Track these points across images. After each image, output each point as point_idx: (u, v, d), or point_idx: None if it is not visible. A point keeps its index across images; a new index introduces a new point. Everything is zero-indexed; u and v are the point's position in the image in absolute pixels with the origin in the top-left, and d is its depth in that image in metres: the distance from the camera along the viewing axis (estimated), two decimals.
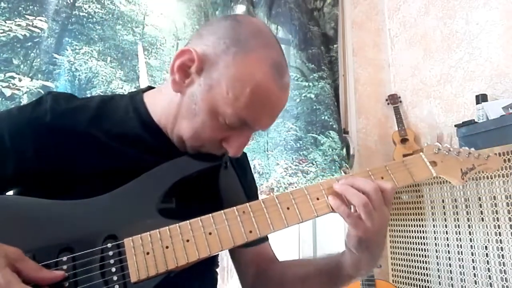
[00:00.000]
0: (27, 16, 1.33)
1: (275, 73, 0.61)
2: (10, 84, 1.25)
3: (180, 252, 0.53)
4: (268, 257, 0.79)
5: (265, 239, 0.80)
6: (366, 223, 0.58)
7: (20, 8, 1.32)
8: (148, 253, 0.52)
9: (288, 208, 0.59)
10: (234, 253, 0.78)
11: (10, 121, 0.61)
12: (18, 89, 1.26)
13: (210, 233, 0.55)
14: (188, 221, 0.55)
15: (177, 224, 0.55)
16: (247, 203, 0.58)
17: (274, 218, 0.58)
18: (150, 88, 0.75)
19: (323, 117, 1.92)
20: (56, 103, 0.63)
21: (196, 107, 0.61)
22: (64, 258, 0.50)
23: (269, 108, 0.63)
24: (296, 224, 0.59)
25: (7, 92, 1.24)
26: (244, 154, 0.86)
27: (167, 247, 0.53)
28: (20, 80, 1.27)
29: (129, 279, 0.51)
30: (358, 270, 0.65)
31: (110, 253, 0.52)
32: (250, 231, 0.57)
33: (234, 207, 0.58)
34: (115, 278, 0.51)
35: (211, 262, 0.75)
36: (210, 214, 0.56)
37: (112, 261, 0.52)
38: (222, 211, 0.57)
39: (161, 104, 0.68)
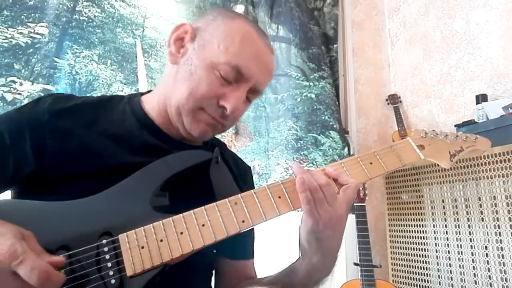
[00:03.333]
0: (29, 24, 1.35)
1: (258, 32, 0.70)
2: (11, 89, 1.26)
3: (174, 244, 0.54)
4: (245, 275, 0.79)
5: (249, 256, 0.81)
6: (319, 211, 0.58)
7: (22, 17, 1.33)
8: (142, 247, 0.53)
9: (279, 197, 0.61)
10: (217, 261, 0.79)
11: (10, 121, 0.63)
12: (19, 94, 1.27)
13: (203, 225, 0.56)
14: (181, 215, 0.56)
15: (171, 218, 0.56)
16: (239, 194, 0.60)
17: (265, 207, 0.59)
18: (149, 92, 0.77)
19: (323, 117, 1.92)
20: (54, 103, 0.65)
21: (192, 67, 0.66)
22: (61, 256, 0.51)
23: (259, 59, 0.68)
24: (287, 212, 0.61)
25: (9, 97, 1.25)
26: (249, 168, 0.87)
27: (161, 240, 0.54)
28: (21, 84, 1.28)
29: (125, 273, 0.52)
30: (310, 275, 0.64)
31: (106, 249, 0.53)
32: (243, 221, 0.58)
33: (226, 199, 0.59)
34: (111, 273, 0.52)
35: (209, 259, 0.75)
36: (203, 207, 0.57)
37: (107, 257, 0.53)
38: (214, 203, 0.58)
39: (157, 94, 0.72)
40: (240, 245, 0.78)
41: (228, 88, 0.66)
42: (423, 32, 2.10)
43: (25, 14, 1.34)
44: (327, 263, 0.64)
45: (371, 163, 0.67)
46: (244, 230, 0.58)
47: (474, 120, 1.63)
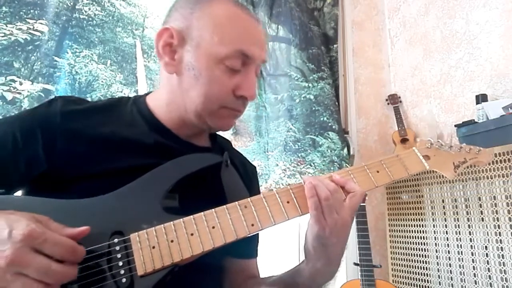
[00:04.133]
0: (28, 20, 1.34)
1: (240, 7, 0.68)
2: (11, 88, 1.26)
3: (184, 245, 0.55)
4: (248, 273, 0.79)
5: (253, 255, 0.82)
6: (326, 218, 0.59)
7: (21, 13, 1.33)
8: (153, 247, 0.54)
9: (288, 202, 0.62)
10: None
11: (22, 122, 0.64)
12: (19, 93, 1.27)
13: (213, 227, 0.57)
14: (192, 216, 0.57)
15: (181, 219, 0.57)
16: (249, 198, 0.61)
17: (274, 211, 0.60)
18: (151, 92, 0.78)
19: (322, 118, 1.92)
20: (66, 105, 0.66)
21: (195, 71, 0.65)
22: None
23: (253, 35, 0.67)
24: (296, 217, 0.62)
25: (8, 96, 1.25)
26: (254, 168, 0.87)
27: (172, 241, 0.55)
28: (21, 83, 1.28)
29: (135, 272, 0.52)
30: (313, 278, 0.65)
31: (117, 248, 0.53)
32: (252, 224, 0.59)
33: (236, 202, 0.60)
34: (122, 271, 0.52)
35: (218, 260, 0.75)
36: (213, 209, 0.58)
37: (119, 256, 0.53)
38: (224, 206, 0.59)
39: (163, 98, 0.71)
40: (245, 244, 0.78)
41: (238, 76, 0.66)
42: (423, 32, 2.10)
43: (24, 10, 1.34)
44: (331, 268, 0.65)
45: (377, 172, 0.68)
46: (253, 234, 0.59)
47: (474, 120, 1.64)
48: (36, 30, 1.34)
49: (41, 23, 1.36)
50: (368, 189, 0.67)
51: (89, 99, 1.37)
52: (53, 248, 0.44)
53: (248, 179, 0.80)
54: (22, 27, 1.32)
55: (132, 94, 1.48)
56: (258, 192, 0.86)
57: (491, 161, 1.42)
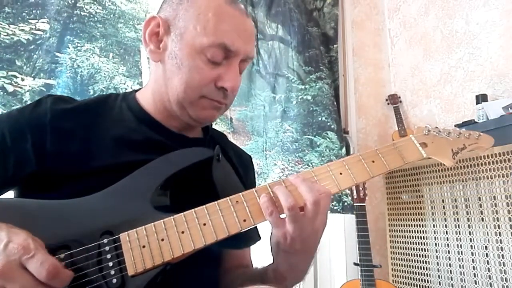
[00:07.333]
0: (30, 21, 1.35)
1: (228, 1, 0.66)
2: (13, 82, 1.25)
3: (175, 244, 0.54)
4: (241, 263, 0.79)
5: (245, 246, 0.80)
6: (287, 226, 0.56)
7: (23, 14, 1.34)
8: (144, 246, 0.53)
9: None
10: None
11: (11, 121, 0.63)
12: (21, 87, 1.27)
13: (204, 224, 0.56)
14: (182, 213, 0.56)
15: (172, 217, 0.55)
16: (240, 193, 0.59)
17: None
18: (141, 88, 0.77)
19: (320, 118, 1.92)
20: (55, 104, 0.65)
21: (177, 60, 0.65)
22: (62, 256, 0.50)
23: (237, 29, 0.66)
24: None
25: (9, 88, 1.25)
26: (249, 157, 0.86)
27: (162, 240, 0.54)
28: (22, 79, 1.28)
29: (126, 272, 0.52)
30: (280, 278, 0.63)
31: (107, 248, 0.53)
32: (244, 220, 0.57)
33: (228, 198, 0.58)
34: (112, 272, 0.51)
35: (213, 255, 0.74)
36: (204, 206, 0.57)
37: (109, 256, 0.52)
38: (216, 202, 0.58)
39: (150, 89, 0.71)
40: (239, 234, 0.77)
41: (220, 68, 0.65)
42: (423, 32, 2.10)
43: (26, 11, 1.34)
44: (296, 274, 0.63)
45: (373, 161, 0.65)
46: (246, 229, 0.57)
47: (474, 120, 1.64)
48: (38, 30, 1.35)
49: (42, 22, 1.36)
50: (364, 180, 0.64)
51: (91, 91, 1.37)
52: (38, 265, 0.44)
53: (243, 170, 0.79)
54: (24, 28, 1.32)
55: (135, 86, 1.48)
56: (254, 183, 0.86)
57: (491, 161, 1.43)
